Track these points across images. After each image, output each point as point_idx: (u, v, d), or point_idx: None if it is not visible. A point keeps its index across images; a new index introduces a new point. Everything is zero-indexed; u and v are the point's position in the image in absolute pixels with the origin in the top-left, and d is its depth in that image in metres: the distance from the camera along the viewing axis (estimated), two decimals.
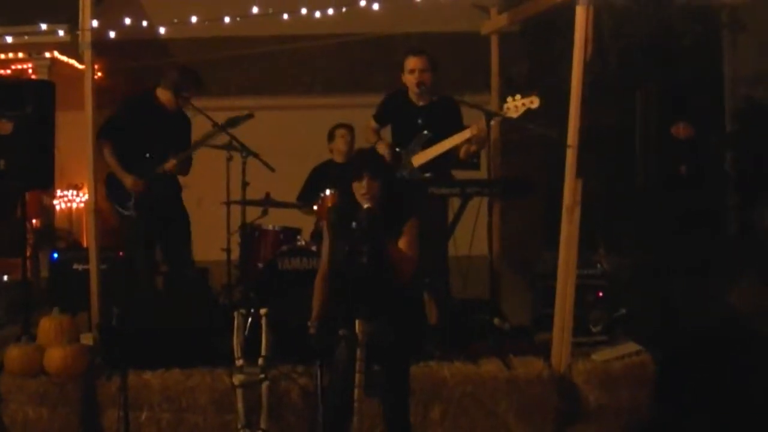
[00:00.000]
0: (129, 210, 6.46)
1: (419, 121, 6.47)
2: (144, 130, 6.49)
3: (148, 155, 6.48)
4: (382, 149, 6.48)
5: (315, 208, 6.89)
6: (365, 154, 5.19)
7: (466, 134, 6.22)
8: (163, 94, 6.56)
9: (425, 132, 6.41)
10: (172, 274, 6.79)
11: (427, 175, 6.36)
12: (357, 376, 4.38)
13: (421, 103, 6.50)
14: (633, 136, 8.54)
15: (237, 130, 6.39)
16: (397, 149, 6.50)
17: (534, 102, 6.00)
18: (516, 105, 6.03)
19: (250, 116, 6.40)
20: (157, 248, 6.74)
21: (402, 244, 4.67)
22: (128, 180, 6.42)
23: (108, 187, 6.51)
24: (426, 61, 6.41)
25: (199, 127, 6.68)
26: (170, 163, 6.47)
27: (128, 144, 6.45)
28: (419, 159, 6.41)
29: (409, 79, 6.44)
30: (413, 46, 6.63)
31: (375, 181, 4.65)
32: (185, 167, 6.68)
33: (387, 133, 6.76)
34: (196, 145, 6.58)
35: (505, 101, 6.13)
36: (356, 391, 4.39)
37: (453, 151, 6.35)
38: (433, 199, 6.14)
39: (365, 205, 4.59)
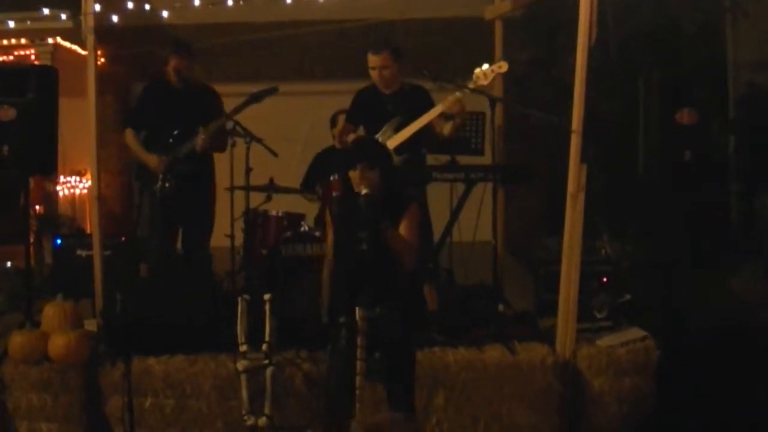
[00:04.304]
0: (155, 192, 6.37)
1: (389, 107, 6.44)
2: (163, 112, 6.50)
3: (175, 133, 6.41)
4: (352, 138, 6.45)
5: (320, 191, 6.89)
6: (361, 143, 5.20)
7: (438, 110, 6.19)
8: (168, 73, 6.53)
9: (390, 121, 6.36)
10: (183, 259, 6.76)
11: (404, 156, 6.31)
12: (358, 363, 4.38)
13: (388, 91, 6.47)
14: (636, 123, 8.50)
15: (240, 115, 6.35)
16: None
17: (502, 66, 6.04)
18: (485, 72, 6.05)
19: (274, 90, 6.25)
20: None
21: (402, 230, 4.68)
22: (152, 160, 6.42)
23: (137, 177, 6.52)
24: (384, 58, 6.34)
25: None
26: (200, 139, 6.29)
27: (153, 128, 6.48)
28: (393, 142, 6.37)
29: (372, 75, 6.43)
30: (374, 42, 6.57)
31: (370, 170, 4.66)
32: (218, 143, 6.43)
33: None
34: (213, 125, 6.38)
35: (473, 72, 6.11)
36: (358, 378, 4.38)
37: (428, 131, 6.30)
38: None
39: (363, 192, 4.60)
